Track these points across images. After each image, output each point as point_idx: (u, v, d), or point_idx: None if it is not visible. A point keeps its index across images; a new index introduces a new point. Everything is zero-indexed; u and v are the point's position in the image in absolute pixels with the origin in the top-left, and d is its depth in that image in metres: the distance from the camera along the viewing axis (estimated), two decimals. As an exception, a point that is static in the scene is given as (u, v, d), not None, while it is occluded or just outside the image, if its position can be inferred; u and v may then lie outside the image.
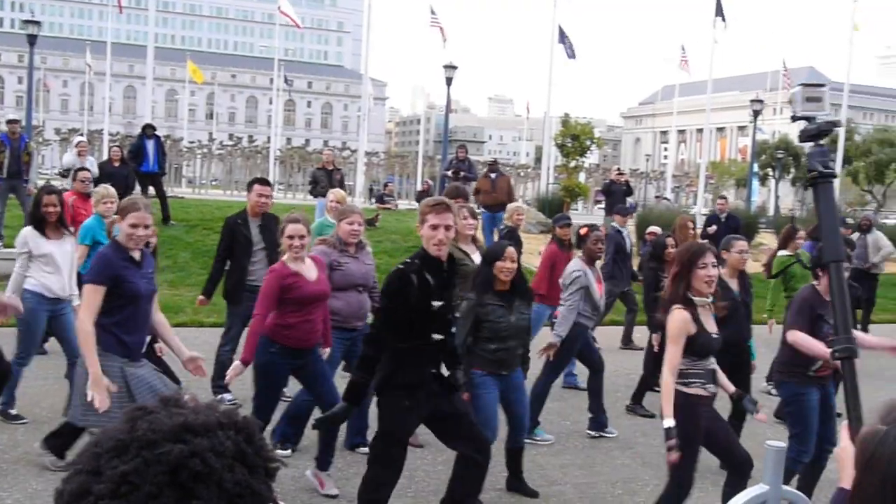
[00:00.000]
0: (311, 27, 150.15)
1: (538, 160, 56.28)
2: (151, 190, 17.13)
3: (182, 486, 1.05)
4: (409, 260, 4.95)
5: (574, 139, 28.33)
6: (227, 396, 8.02)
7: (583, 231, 8.17)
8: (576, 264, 7.94)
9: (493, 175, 17.32)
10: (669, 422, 4.88)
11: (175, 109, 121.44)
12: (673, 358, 5.03)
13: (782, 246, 9.49)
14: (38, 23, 26.93)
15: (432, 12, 35.47)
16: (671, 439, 4.84)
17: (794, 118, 3.01)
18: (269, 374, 6.00)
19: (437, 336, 4.90)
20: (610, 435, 8.11)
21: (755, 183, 46.60)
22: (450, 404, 5.06)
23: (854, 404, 2.66)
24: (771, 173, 62.90)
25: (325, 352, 6.33)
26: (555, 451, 7.56)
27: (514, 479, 6.49)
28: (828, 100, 2.99)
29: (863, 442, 1.80)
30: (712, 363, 5.23)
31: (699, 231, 14.00)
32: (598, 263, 8.59)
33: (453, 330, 5.19)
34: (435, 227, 4.76)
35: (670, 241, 9.54)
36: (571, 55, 34.01)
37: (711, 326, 5.21)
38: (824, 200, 2.96)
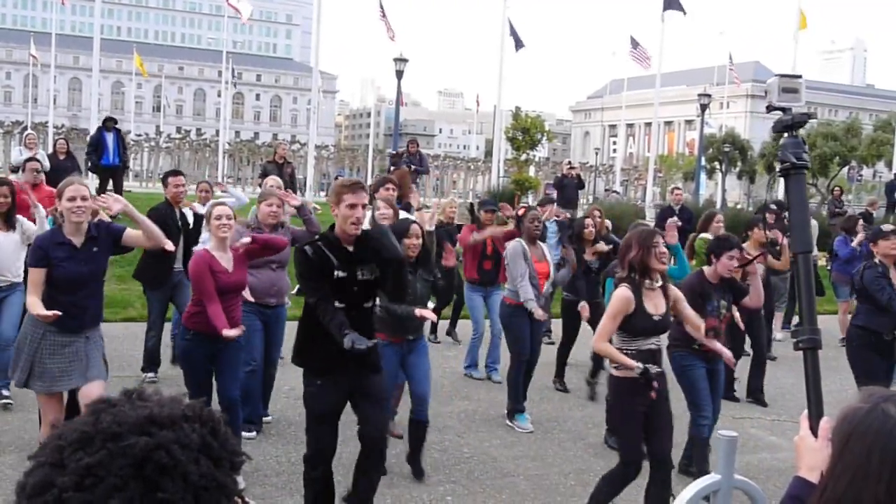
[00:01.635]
0: (260, 19, 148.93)
1: (488, 153, 56.50)
2: (108, 185, 16.92)
3: (147, 478, 1.04)
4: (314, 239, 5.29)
5: (524, 132, 28.49)
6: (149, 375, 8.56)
7: (521, 211, 8.63)
8: (513, 243, 8.25)
9: (392, 168, 17.07)
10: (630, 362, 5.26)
11: (122, 102, 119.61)
12: (604, 330, 5.36)
13: (702, 230, 9.75)
14: (-21, 13, 26.37)
15: (381, 6, 35.37)
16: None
17: (770, 108, 3.02)
18: (187, 361, 6.24)
19: (339, 304, 5.04)
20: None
21: (703, 176, 47.19)
22: (368, 385, 5.25)
23: (815, 395, 2.68)
24: (718, 167, 63.79)
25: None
26: (508, 442, 7.61)
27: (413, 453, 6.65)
28: (804, 91, 3.02)
29: (844, 418, 1.82)
30: (651, 343, 5.45)
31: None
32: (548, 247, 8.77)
33: (369, 304, 5.29)
34: (353, 207, 5.02)
35: (588, 221, 9.68)
36: (519, 45, 34.10)
37: (656, 308, 5.42)
38: (796, 192, 2.97)
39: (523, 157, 28.90)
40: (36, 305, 5.33)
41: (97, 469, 1.03)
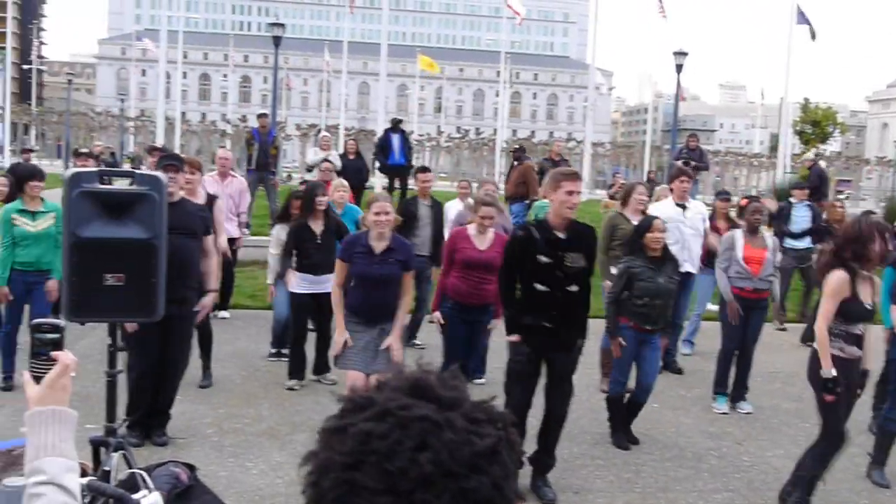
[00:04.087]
0: (538, 19, 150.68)
1: (773, 149, 53.81)
2: (394, 183, 17.73)
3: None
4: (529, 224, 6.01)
5: (814, 125, 26.86)
6: None
7: (743, 202, 9.26)
8: (729, 232, 8.63)
9: (515, 163, 16.62)
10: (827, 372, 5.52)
11: (406, 104, 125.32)
12: (826, 311, 5.56)
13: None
14: (282, 25, 28.58)
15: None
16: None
17: None
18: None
19: (540, 287, 5.57)
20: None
21: None
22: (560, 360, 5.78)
23: None
24: None
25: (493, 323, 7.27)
26: (792, 454, 7.17)
27: (625, 426, 7.06)
28: None
29: None
30: (859, 328, 5.63)
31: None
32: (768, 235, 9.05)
33: (573, 288, 5.67)
34: (570, 193, 5.49)
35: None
36: (812, 36, 32.16)
37: (868, 296, 5.60)
38: None
39: (813, 151, 27.25)
40: (335, 294, 6.33)
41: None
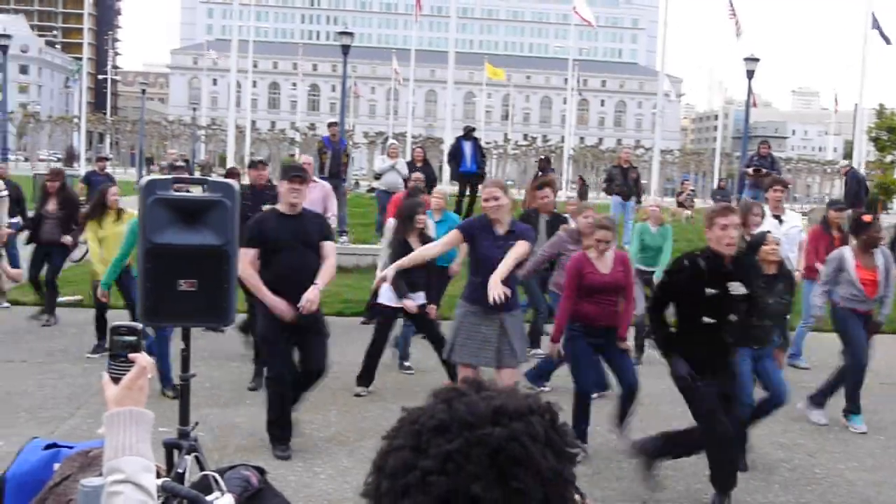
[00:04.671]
0: (606, 25, 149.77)
1: (847, 156, 52.63)
2: (466, 191, 17.76)
3: (501, 468, 1.07)
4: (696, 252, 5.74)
5: (890, 131, 26.20)
6: None
7: (867, 218, 8.29)
8: (841, 249, 8.18)
9: (540, 173, 16.18)
10: None
11: (473, 111, 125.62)
12: None
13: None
14: (350, 34, 28.85)
15: (731, 4, 34.15)
16: None
17: None
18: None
19: (707, 319, 5.54)
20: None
21: None
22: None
23: None
24: None
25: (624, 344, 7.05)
26: (867, 466, 6.99)
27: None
28: None
29: None
30: None
31: None
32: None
33: (733, 317, 5.61)
34: (724, 228, 5.48)
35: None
36: (887, 41, 31.41)
37: None
38: None
39: (888, 158, 26.59)
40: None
41: (456, 455, 1.08)
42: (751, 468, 6.58)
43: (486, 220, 6.07)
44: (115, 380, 2.00)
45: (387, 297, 8.18)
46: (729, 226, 5.45)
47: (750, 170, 17.56)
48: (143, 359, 2.05)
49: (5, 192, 12.05)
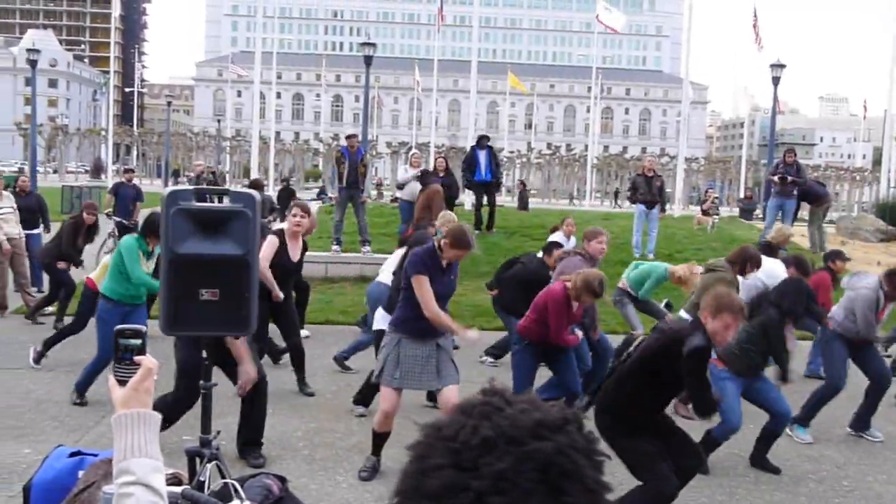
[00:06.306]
0: (630, 33, 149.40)
1: (877, 163, 52.14)
2: (483, 200, 17.77)
3: (552, 483, 1.05)
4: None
5: (919, 138, 25.90)
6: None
7: None
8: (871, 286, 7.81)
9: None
10: None
11: (496, 121, 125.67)
12: None
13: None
14: (373, 44, 28.97)
15: (755, 12, 34.02)
16: None
17: None
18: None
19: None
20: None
21: None
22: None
23: None
24: None
25: None
26: (895, 478, 6.91)
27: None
28: None
29: None
30: None
31: None
32: None
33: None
34: (727, 328, 5.02)
35: None
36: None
37: None
38: None
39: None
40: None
41: (510, 474, 1.05)
42: (777, 480, 6.53)
43: (435, 255, 6.06)
44: (122, 382, 2.02)
45: (382, 323, 8.03)
46: (732, 326, 5.01)
47: (776, 178, 17.46)
48: (148, 361, 2.07)
49: (12, 208, 12.30)
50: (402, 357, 6.04)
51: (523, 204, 31.55)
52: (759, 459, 6.89)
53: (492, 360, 10.07)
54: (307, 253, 9.02)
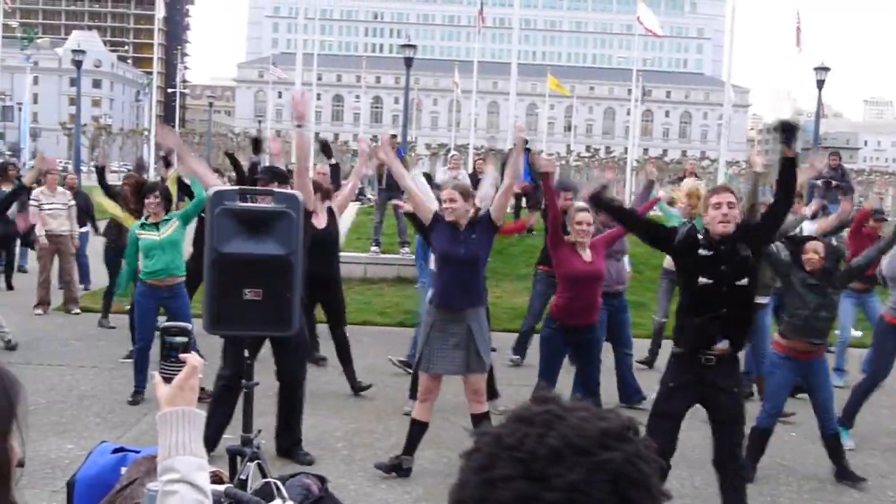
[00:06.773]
0: (671, 35, 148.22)
1: (921, 167, 51.31)
2: (521, 203, 17.76)
3: (622, 494, 1.04)
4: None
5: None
6: None
7: None
8: None
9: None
10: None
11: (535, 123, 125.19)
12: None
13: None
14: (413, 46, 29.01)
15: (797, 15, 33.62)
16: None
17: None
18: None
19: (703, 280, 5.14)
20: None
21: None
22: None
23: None
24: None
25: None
26: None
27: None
28: None
29: None
30: None
31: None
32: None
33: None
34: (717, 206, 5.16)
35: None
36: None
37: None
38: None
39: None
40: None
41: (582, 486, 1.03)
42: (820, 489, 6.45)
43: (445, 223, 6.24)
44: (167, 380, 2.04)
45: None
46: (722, 203, 5.16)
47: (819, 182, 17.21)
48: (193, 359, 2.08)
49: (73, 203, 12.42)
50: (431, 340, 6.13)
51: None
52: (842, 472, 6.64)
53: (518, 357, 9.98)
54: (347, 254, 9.05)
